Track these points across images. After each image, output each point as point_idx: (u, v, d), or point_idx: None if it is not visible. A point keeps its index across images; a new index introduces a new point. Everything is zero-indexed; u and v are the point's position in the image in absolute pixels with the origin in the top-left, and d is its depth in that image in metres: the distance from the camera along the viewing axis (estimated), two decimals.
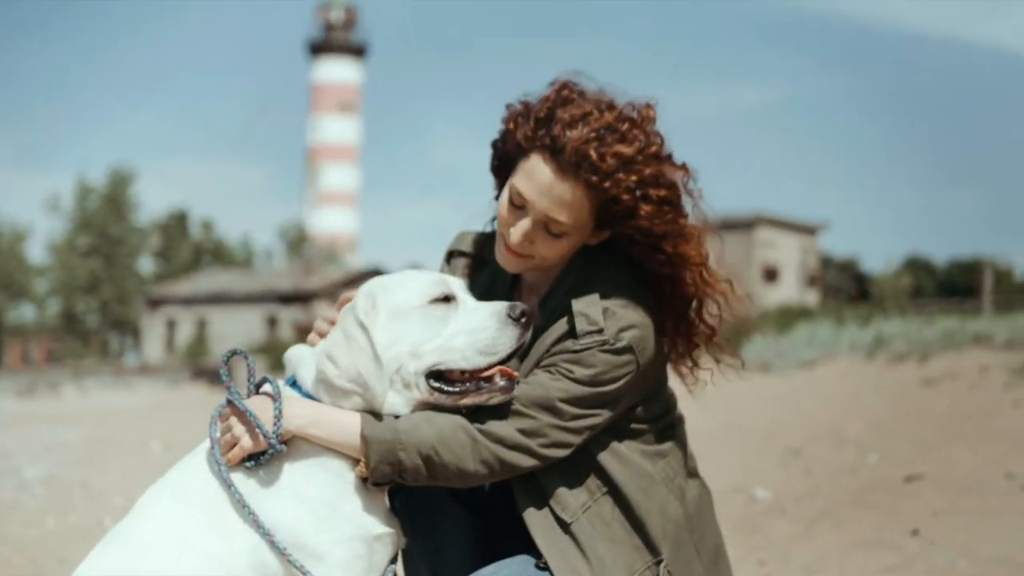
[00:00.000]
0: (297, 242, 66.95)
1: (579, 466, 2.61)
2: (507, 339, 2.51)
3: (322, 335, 2.66)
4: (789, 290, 49.49)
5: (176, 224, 68.80)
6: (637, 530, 2.61)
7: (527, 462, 2.54)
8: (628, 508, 2.61)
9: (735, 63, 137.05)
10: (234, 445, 2.49)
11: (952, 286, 58.59)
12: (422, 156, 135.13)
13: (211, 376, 37.08)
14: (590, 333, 2.54)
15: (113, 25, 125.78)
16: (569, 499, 2.60)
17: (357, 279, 59.21)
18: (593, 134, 2.52)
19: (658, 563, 2.62)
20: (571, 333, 2.56)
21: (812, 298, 49.28)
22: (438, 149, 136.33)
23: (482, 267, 2.83)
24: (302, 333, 55.23)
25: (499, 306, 2.54)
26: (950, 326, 17.94)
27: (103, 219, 64.02)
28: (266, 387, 2.58)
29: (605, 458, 2.62)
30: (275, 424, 2.48)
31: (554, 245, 2.62)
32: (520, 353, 2.60)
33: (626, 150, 2.53)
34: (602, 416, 2.56)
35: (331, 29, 75.64)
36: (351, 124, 75.26)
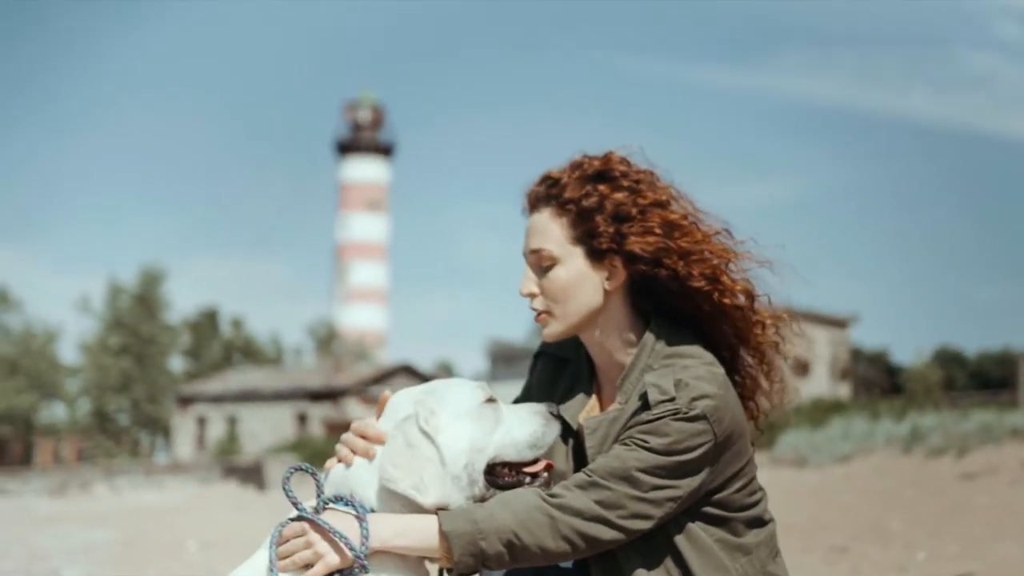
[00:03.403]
0: (326, 339, 67.19)
1: (658, 549, 2.59)
2: (551, 433, 2.64)
3: (352, 453, 2.61)
4: (820, 384, 49.21)
5: (206, 322, 69.19)
6: None
7: (608, 535, 2.51)
8: None
9: (760, 156, 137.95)
10: (308, 565, 2.48)
11: (983, 378, 58.13)
12: (450, 252, 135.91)
13: (242, 474, 37.00)
14: (662, 402, 2.53)
15: (141, 126, 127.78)
16: None
17: (387, 375, 59.27)
18: (568, 170, 2.69)
19: None
20: (645, 406, 2.56)
21: (843, 391, 49.00)
22: (465, 245, 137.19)
23: (565, 365, 2.85)
24: (332, 430, 55.23)
25: (538, 405, 2.66)
26: (987, 419, 17.79)
27: (134, 318, 64.46)
28: (343, 506, 2.57)
29: (684, 545, 2.59)
30: (363, 543, 2.48)
31: (553, 283, 2.65)
32: (598, 443, 2.62)
33: (592, 172, 2.67)
34: (682, 488, 2.53)
35: (359, 129, 76.60)
36: (379, 222, 75.87)
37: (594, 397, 2.78)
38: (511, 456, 2.63)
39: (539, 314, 2.72)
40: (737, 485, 2.64)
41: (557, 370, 2.86)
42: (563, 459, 2.75)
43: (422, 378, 57.30)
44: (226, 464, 41.16)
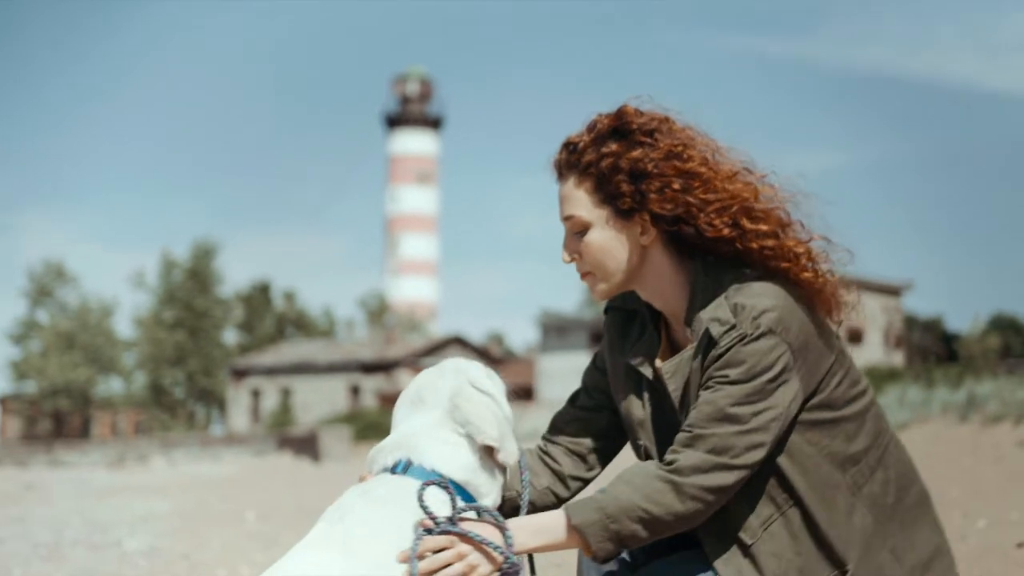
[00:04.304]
0: (378, 311, 67.51)
1: (761, 480, 2.58)
2: None
3: None
4: (874, 351, 48.89)
5: (259, 296, 69.72)
6: (819, 541, 2.56)
7: (731, 478, 2.50)
8: (811, 519, 2.56)
9: (815, 126, 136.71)
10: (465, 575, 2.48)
11: None
12: (499, 223, 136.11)
13: (297, 445, 37.31)
14: (726, 332, 2.53)
15: (194, 102, 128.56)
16: (751, 518, 2.58)
17: (439, 347, 59.51)
18: (585, 132, 2.71)
19: (843, 573, 2.56)
20: (712, 342, 2.56)
21: (897, 359, 48.66)
22: (515, 216, 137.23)
23: (633, 317, 2.86)
24: (385, 401, 55.55)
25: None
26: None
27: (188, 292, 65.08)
28: (477, 515, 2.58)
29: (788, 467, 2.58)
30: (508, 546, 2.50)
31: (588, 247, 2.68)
32: (681, 385, 2.64)
33: (606, 131, 2.68)
34: (779, 405, 2.51)
35: (407, 102, 76.74)
36: (429, 194, 76.03)
37: (664, 342, 2.78)
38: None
39: (584, 275, 2.76)
40: (836, 380, 2.62)
41: (626, 322, 2.86)
42: (640, 409, 2.76)
43: (473, 349, 57.43)
44: (280, 435, 41.49)
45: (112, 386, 67.48)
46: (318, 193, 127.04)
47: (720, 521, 2.59)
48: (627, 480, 2.53)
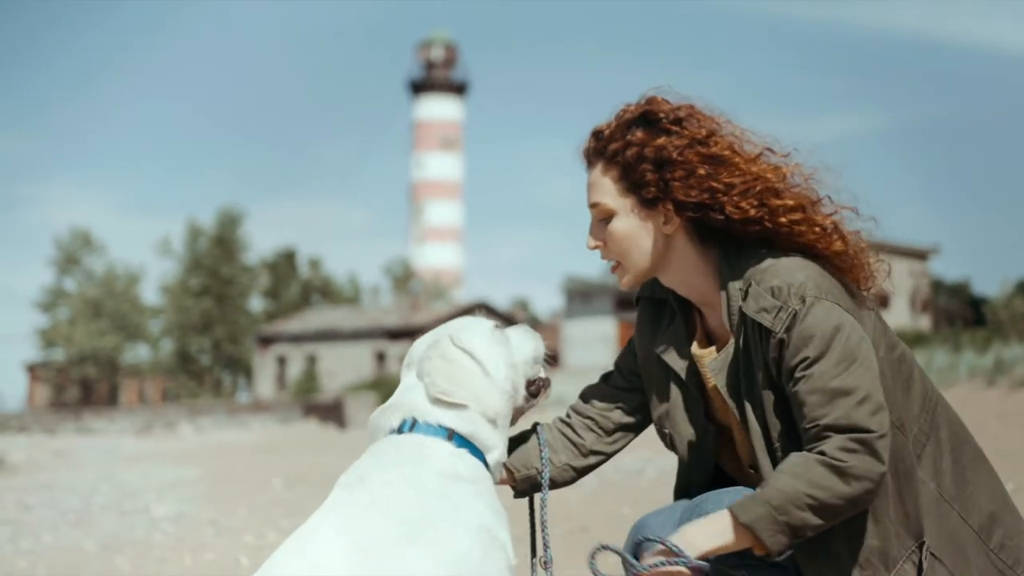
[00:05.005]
0: (403, 278, 67.53)
1: None
2: (542, 347, 2.84)
3: None
4: (900, 316, 48.64)
5: (284, 263, 69.81)
6: (897, 518, 2.55)
7: (877, 451, 2.46)
8: (888, 497, 2.55)
9: (841, 89, 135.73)
10: None
11: None
12: (524, 190, 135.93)
13: (322, 412, 37.46)
14: (777, 316, 2.53)
15: (219, 70, 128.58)
16: None
17: (464, 313, 59.12)
18: (613, 122, 2.73)
19: (920, 546, 2.55)
20: (766, 332, 2.55)
21: (924, 324, 48.44)
22: (539, 182, 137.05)
23: (664, 305, 2.86)
24: None
25: (522, 326, 2.85)
26: None
27: (213, 260, 65.21)
28: (650, 546, 2.61)
29: None
30: (681, 555, 2.51)
31: (613, 235, 2.71)
32: (730, 380, 2.63)
33: (632, 120, 2.70)
34: (867, 359, 2.50)
35: (432, 67, 76.46)
36: (454, 160, 75.86)
37: (700, 331, 2.79)
38: (529, 374, 2.78)
39: (613, 268, 2.80)
40: (882, 341, 2.61)
41: (657, 311, 2.88)
42: (667, 397, 2.78)
43: (499, 315, 57.47)
44: (306, 403, 41.62)
45: (139, 353, 67.81)
46: (343, 160, 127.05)
47: None
48: (787, 471, 2.49)
